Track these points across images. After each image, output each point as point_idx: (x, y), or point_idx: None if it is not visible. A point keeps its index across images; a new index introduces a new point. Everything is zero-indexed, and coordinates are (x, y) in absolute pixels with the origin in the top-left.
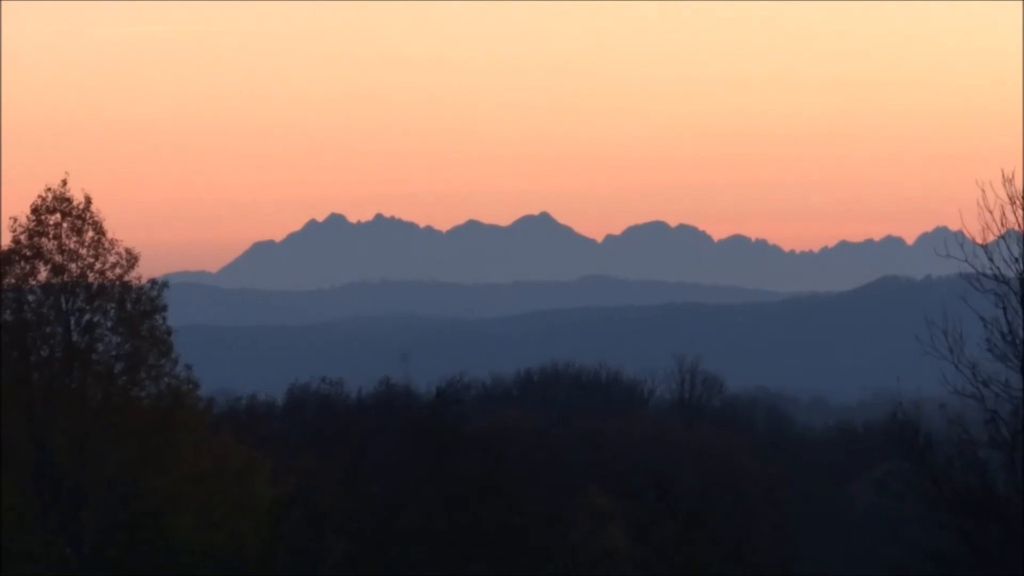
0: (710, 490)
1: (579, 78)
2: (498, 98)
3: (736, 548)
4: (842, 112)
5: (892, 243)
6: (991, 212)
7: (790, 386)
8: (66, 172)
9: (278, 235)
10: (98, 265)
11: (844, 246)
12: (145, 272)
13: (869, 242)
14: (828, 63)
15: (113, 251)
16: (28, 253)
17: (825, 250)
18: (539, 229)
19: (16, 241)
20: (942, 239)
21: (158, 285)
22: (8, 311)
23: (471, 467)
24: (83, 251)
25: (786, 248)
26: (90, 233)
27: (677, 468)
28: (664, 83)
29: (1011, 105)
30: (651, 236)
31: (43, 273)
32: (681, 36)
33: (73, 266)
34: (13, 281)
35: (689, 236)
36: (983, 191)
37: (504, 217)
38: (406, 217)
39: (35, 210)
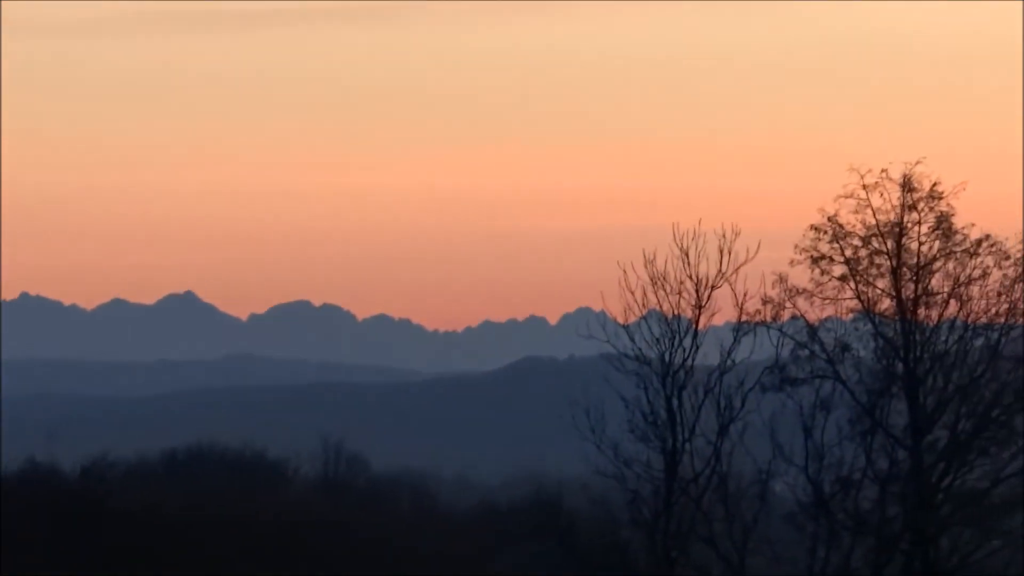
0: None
1: (217, 160)
2: (136, 177)
3: None
4: (486, 193)
5: (536, 323)
6: (632, 293)
7: (435, 465)
8: None
9: None
10: None
11: (488, 325)
12: None
13: (512, 321)
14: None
15: None
16: None
17: (469, 329)
18: (183, 307)
19: None
20: (585, 319)
21: None
22: None
23: (118, 540)
24: None
25: (430, 327)
26: None
27: (325, 548)
28: (296, 158)
29: (683, 182)
30: (295, 315)
31: None
32: (295, 112)
33: None
34: None
35: (333, 315)
36: (624, 271)
37: (149, 295)
38: (51, 295)
39: None
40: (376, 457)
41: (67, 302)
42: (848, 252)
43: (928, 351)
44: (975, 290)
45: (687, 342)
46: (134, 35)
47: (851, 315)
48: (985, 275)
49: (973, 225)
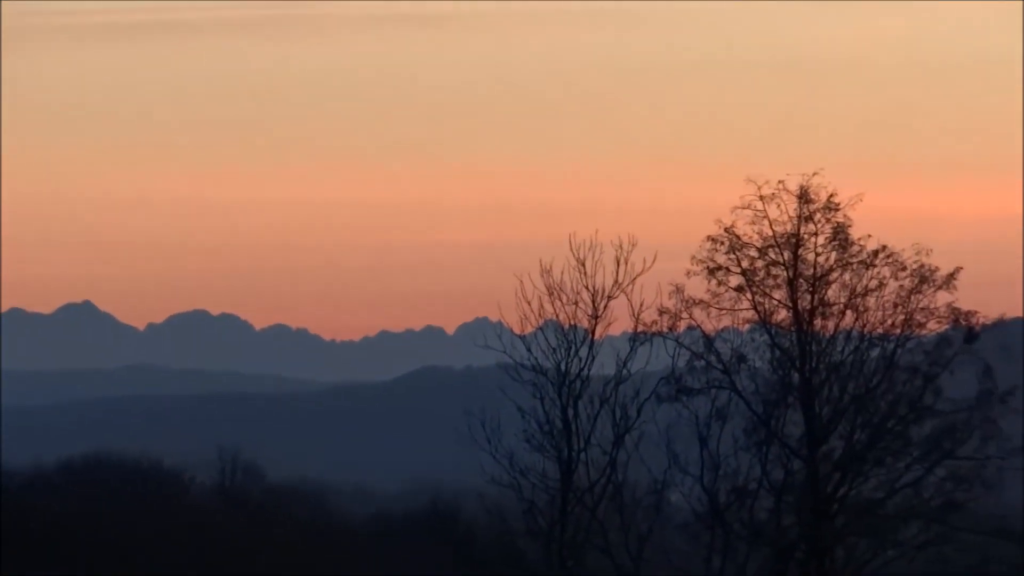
0: None
1: (114, 170)
2: (33, 187)
3: None
4: (383, 203)
5: (433, 333)
6: (529, 303)
7: (332, 475)
8: None
9: None
10: None
11: (385, 336)
12: None
13: (409, 332)
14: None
15: None
16: None
17: (366, 339)
18: (81, 317)
19: None
20: (482, 329)
21: None
22: None
23: (14, 548)
24: None
25: (327, 337)
26: None
27: (222, 559)
28: (195, 169)
29: (580, 193)
30: (193, 324)
31: None
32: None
33: None
34: None
35: (231, 324)
36: (521, 282)
37: (46, 304)
38: None
39: None
40: (273, 467)
41: None
42: (745, 263)
43: (824, 362)
44: (871, 301)
45: (583, 352)
46: (29, 44)
47: (747, 326)
48: (881, 286)
49: (869, 236)
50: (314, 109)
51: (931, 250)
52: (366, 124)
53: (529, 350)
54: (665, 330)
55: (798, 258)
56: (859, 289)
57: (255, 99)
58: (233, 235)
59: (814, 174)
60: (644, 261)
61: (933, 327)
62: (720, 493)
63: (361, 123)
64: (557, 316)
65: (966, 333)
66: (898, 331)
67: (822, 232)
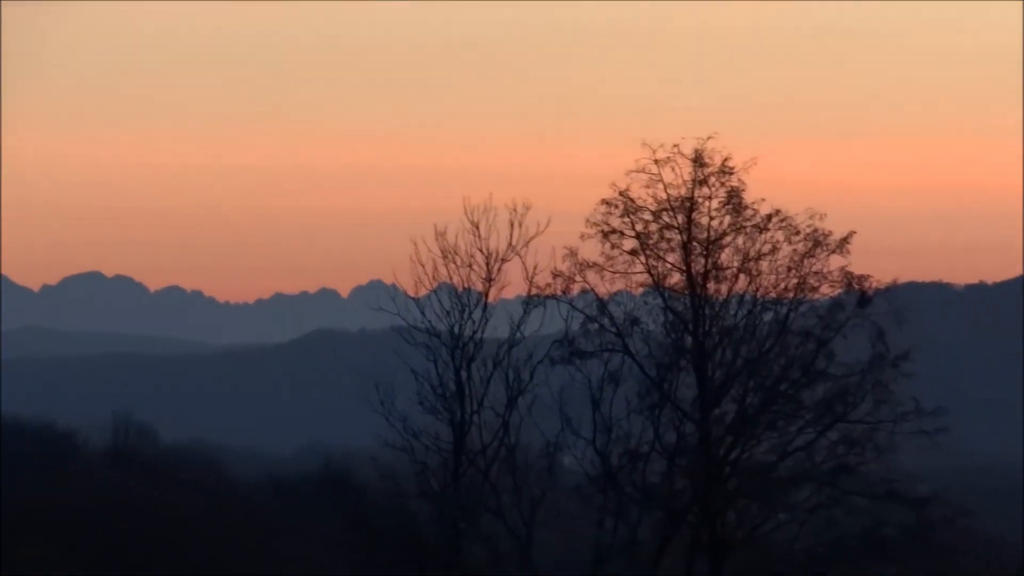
0: (152, 543)
1: (9, 131)
2: None
3: None
4: (279, 167)
5: (327, 296)
6: (423, 266)
7: (226, 438)
8: None
9: None
10: None
11: (280, 298)
12: None
13: (304, 294)
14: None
15: None
16: None
17: (260, 302)
18: None
19: None
20: (376, 292)
21: None
22: None
23: None
24: None
25: (222, 299)
26: None
27: (114, 519)
28: (88, 131)
29: (474, 159)
30: (88, 286)
31: None
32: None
33: None
34: None
35: (125, 287)
36: (416, 245)
37: None
38: None
39: None
40: (167, 429)
41: None
42: (639, 226)
43: (717, 325)
44: (764, 265)
45: (477, 315)
46: None
47: (641, 289)
48: (775, 250)
49: (763, 200)
50: (209, 71)
51: (825, 215)
52: (262, 87)
53: (423, 313)
54: (559, 293)
55: (692, 222)
56: (752, 253)
57: (149, 62)
58: (127, 198)
59: (708, 138)
60: (538, 225)
61: (826, 291)
62: (612, 456)
63: (257, 86)
64: (451, 279)
65: (859, 297)
66: (791, 295)
67: (716, 196)
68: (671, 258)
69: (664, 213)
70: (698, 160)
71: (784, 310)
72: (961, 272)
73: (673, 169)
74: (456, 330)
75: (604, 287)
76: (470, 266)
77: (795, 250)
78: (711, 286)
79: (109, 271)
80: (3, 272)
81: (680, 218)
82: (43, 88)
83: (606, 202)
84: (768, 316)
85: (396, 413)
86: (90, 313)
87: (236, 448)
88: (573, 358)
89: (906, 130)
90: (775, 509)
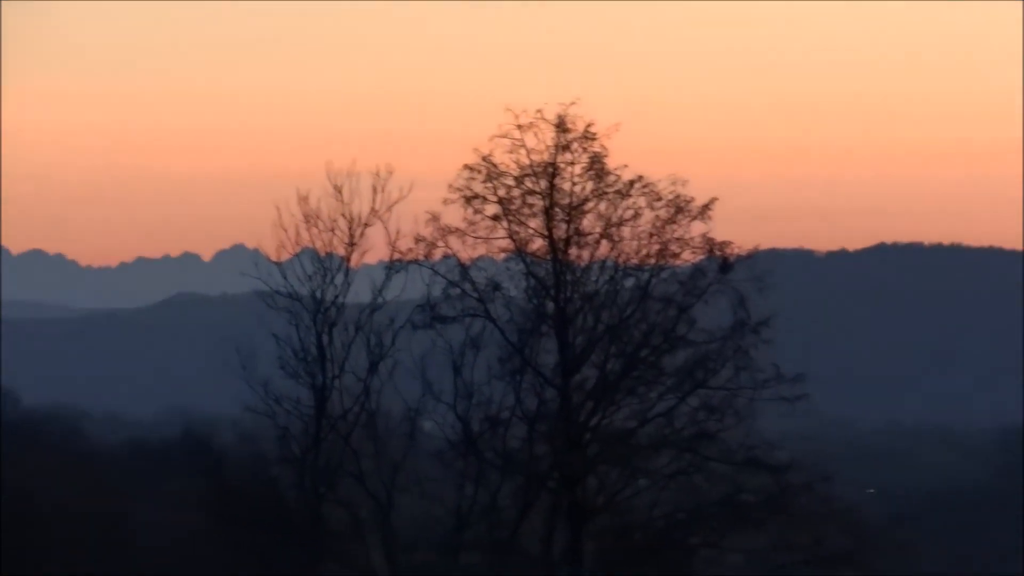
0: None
1: None
2: None
3: None
4: (141, 129)
5: (189, 259)
6: (286, 231)
7: (88, 401)
8: None
9: None
10: None
11: (142, 262)
12: None
13: (167, 258)
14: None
15: None
16: None
17: (123, 265)
18: None
19: None
20: (239, 257)
21: None
22: None
23: None
24: None
25: (83, 263)
26: None
27: None
28: None
29: (337, 124)
30: None
31: None
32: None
33: None
34: None
35: None
36: (279, 209)
37: None
38: None
39: None
40: (29, 392)
41: None
42: (501, 192)
43: (579, 291)
44: (627, 231)
45: (339, 280)
46: None
47: (503, 255)
48: (637, 216)
49: (626, 167)
50: (78, 28)
51: (687, 181)
52: (124, 46)
53: (285, 277)
54: (421, 258)
55: (554, 187)
56: (615, 219)
57: (8, 18)
58: None
59: (571, 104)
60: (401, 190)
61: (688, 257)
62: (473, 421)
63: (120, 45)
64: (314, 244)
65: (720, 264)
66: (653, 261)
67: (579, 162)
68: (533, 224)
69: (527, 179)
70: (561, 126)
71: (646, 276)
72: (822, 239)
73: (536, 135)
74: (318, 295)
75: (466, 252)
76: (333, 231)
77: (657, 216)
78: (573, 252)
79: None
80: None
81: (543, 183)
82: None
83: (469, 167)
84: (630, 282)
85: (258, 378)
86: None
87: (97, 413)
88: (435, 323)
89: (773, 94)
90: (635, 475)
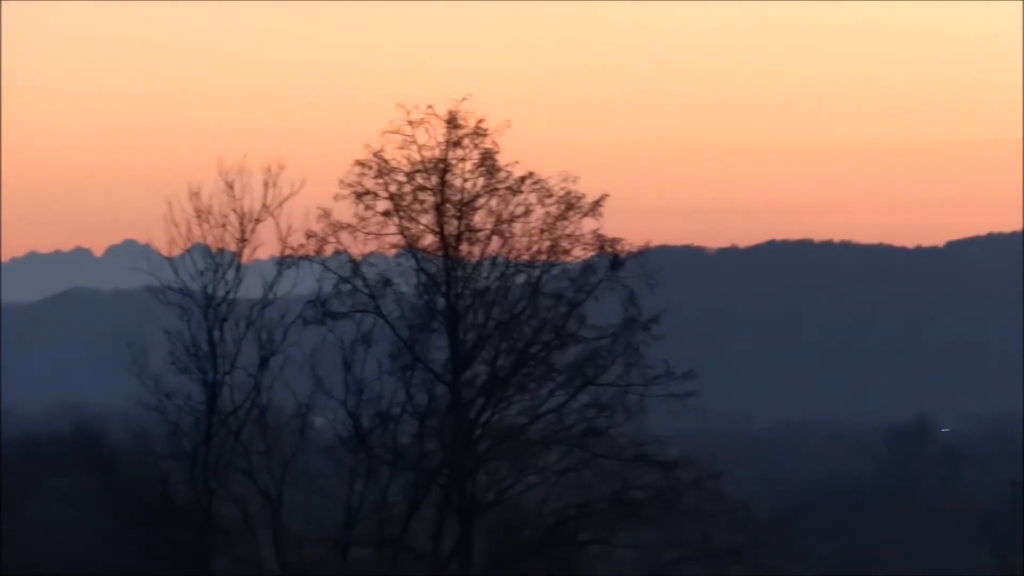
0: None
1: None
2: None
3: None
4: (32, 122)
5: (81, 254)
6: (177, 226)
7: None
8: None
9: None
10: None
11: (33, 256)
12: None
13: (58, 253)
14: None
15: None
16: None
17: (14, 260)
18: None
19: None
20: (131, 252)
21: None
22: None
23: None
24: None
25: None
26: None
27: None
28: None
29: (231, 117)
30: None
31: None
32: None
33: None
34: None
35: None
36: (170, 204)
37: None
38: None
39: None
40: None
41: None
42: (393, 188)
43: (469, 287)
44: (517, 227)
45: (230, 275)
46: None
47: (395, 251)
48: (528, 213)
49: (517, 163)
50: None
51: (578, 177)
52: (18, 38)
53: (177, 273)
54: (312, 254)
55: (445, 184)
56: (506, 215)
57: None
58: None
59: (463, 100)
60: (292, 186)
61: (579, 254)
62: (364, 417)
63: (13, 38)
64: (205, 239)
65: (611, 260)
66: (544, 257)
67: (470, 158)
68: (424, 220)
69: (418, 174)
70: (452, 122)
71: (537, 273)
72: (713, 236)
73: (427, 131)
74: (210, 290)
75: (358, 248)
76: (224, 226)
77: (548, 213)
78: (464, 248)
79: None
80: None
81: (434, 179)
82: None
83: (360, 163)
84: (521, 279)
85: (149, 373)
86: None
87: None
88: (326, 319)
89: (663, 86)
90: (526, 471)
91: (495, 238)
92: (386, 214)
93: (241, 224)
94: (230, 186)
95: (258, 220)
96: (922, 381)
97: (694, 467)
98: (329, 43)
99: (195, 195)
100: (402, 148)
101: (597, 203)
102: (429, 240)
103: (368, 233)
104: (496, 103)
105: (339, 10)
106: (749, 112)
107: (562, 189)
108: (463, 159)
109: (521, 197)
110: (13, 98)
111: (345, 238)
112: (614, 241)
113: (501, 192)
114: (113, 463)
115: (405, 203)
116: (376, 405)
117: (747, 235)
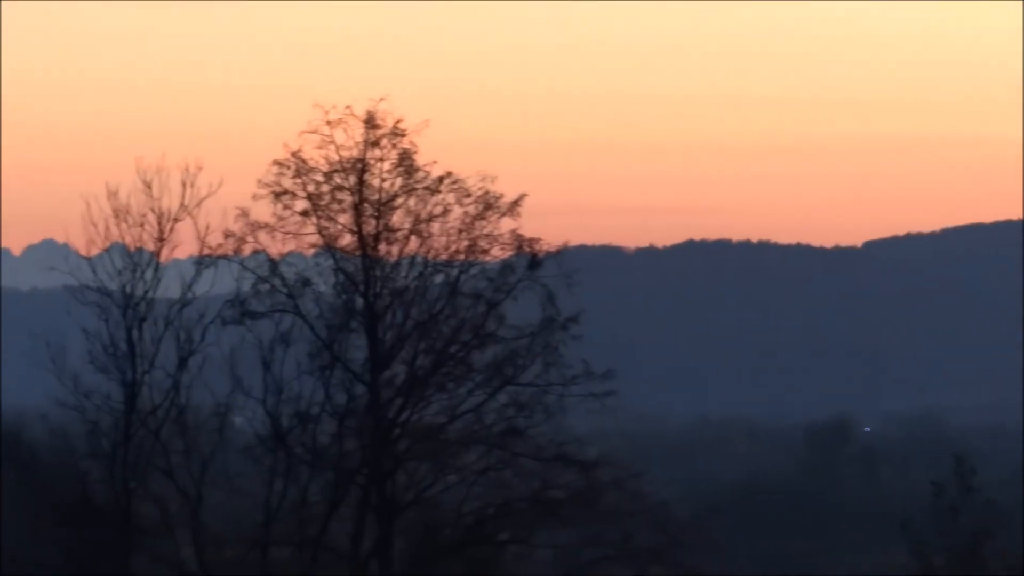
0: None
1: None
2: None
3: None
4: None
5: None
6: (96, 225)
7: None
8: None
9: None
10: None
11: None
12: None
13: None
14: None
15: None
16: None
17: None
18: None
19: None
20: (49, 251)
21: None
22: None
23: None
24: None
25: None
26: None
27: None
28: None
29: (149, 116)
30: None
31: None
32: None
33: None
34: None
35: None
36: (88, 204)
37: None
38: None
39: None
40: None
41: None
42: (311, 187)
43: (388, 287)
44: (436, 227)
45: (148, 275)
46: None
47: (313, 250)
48: (446, 213)
49: (435, 163)
50: None
51: (496, 177)
52: None
53: (95, 272)
54: (230, 253)
55: (364, 183)
56: (424, 215)
57: None
58: None
59: (381, 100)
60: (211, 185)
61: (497, 253)
62: (283, 417)
63: None
64: (123, 239)
65: (529, 260)
66: (462, 257)
67: (388, 158)
68: (343, 219)
69: (336, 174)
70: (370, 122)
71: (455, 272)
72: (631, 235)
73: (345, 131)
74: (128, 290)
75: (276, 248)
76: (142, 226)
77: (466, 212)
78: (383, 248)
79: None
80: None
81: (352, 180)
82: None
83: (278, 163)
84: (439, 278)
85: (68, 372)
86: None
87: None
88: (244, 318)
89: (582, 87)
90: (445, 471)
91: (413, 238)
92: (304, 214)
93: (159, 223)
94: (148, 185)
95: (176, 219)
96: (842, 380)
97: (614, 467)
98: (247, 42)
99: (113, 194)
100: (320, 148)
101: (515, 203)
102: (347, 240)
103: (286, 233)
104: (414, 103)
105: (257, 9)
106: (666, 111)
107: (480, 189)
108: (381, 159)
109: (439, 197)
110: None
111: (263, 238)
112: (532, 241)
113: (419, 192)
114: (32, 462)
115: (323, 203)
116: (295, 405)
117: (666, 235)
